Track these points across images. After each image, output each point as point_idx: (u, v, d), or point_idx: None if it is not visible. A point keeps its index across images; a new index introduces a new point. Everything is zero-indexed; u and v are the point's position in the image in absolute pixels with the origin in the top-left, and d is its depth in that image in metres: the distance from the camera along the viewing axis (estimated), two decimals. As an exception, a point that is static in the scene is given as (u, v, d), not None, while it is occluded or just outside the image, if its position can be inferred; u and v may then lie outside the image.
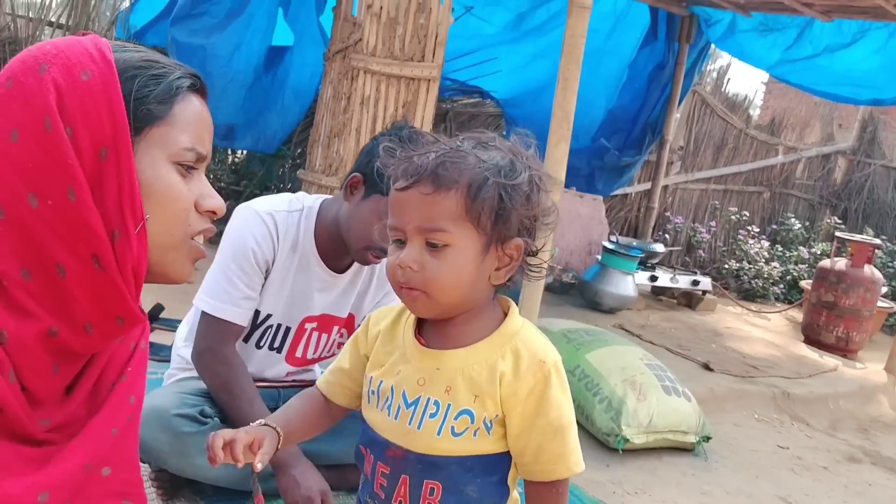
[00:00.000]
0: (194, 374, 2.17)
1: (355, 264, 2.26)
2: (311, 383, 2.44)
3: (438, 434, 1.22)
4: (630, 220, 8.07)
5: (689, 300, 6.70)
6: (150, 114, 1.04)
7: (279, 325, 2.23)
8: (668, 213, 8.17)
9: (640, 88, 7.07)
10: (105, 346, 1.13)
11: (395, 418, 1.26)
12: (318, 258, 2.18)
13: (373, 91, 4.14)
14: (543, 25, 6.46)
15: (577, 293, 6.13)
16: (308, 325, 2.27)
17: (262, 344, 2.25)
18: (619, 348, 3.59)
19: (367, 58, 4.18)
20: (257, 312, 2.18)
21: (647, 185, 7.80)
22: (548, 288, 6.00)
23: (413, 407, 1.25)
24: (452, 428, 1.23)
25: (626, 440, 3.12)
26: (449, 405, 1.23)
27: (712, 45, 7.25)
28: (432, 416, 1.23)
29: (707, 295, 6.69)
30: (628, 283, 5.87)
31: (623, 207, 8.03)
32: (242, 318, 2.10)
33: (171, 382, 2.26)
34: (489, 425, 1.22)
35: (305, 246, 2.16)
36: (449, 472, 1.24)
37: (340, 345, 2.39)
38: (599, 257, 6.07)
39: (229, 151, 6.20)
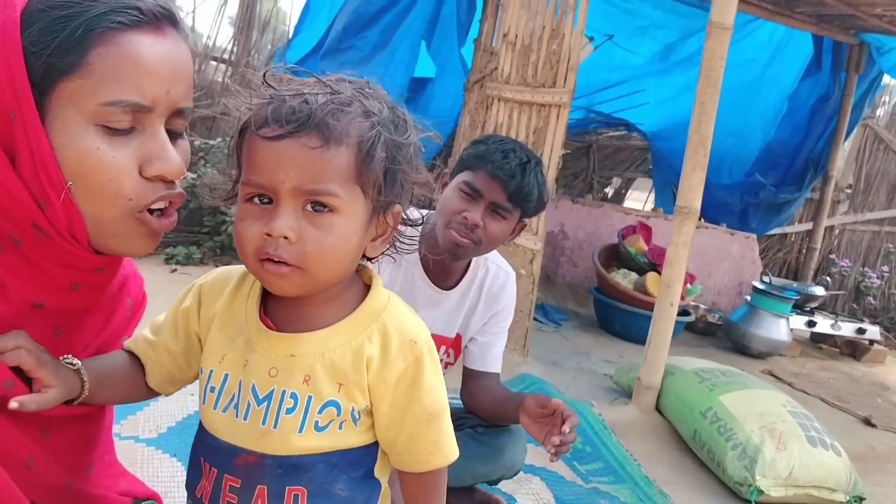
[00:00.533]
0: None
1: (463, 282, 2.21)
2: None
3: (300, 431, 1.02)
4: (789, 262, 7.50)
5: (853, 350, 6.08)
6: (52, 68, 0.89)
7: None
8: (833, 256, 7.52)
9: (802, 121, 6.61)
10: (99, 294, 1.07)
11: (245, 419, 1.03)
12: (423, 272, 2.14)
13: (505, 118, 4.12)
14: (693, 56, 6.21)
15: (722, 335, 5.74)
16: None
17: None
18: (760, 392, 3.29)
19: (501, 85, 4.18)
20: None
21: (809, 225, 7.24)
22: (690, 328, 5.67)
23: (266, 402, 1.02)
24: (316, 423, 1.03)
25: (761, 492, 2.83)
26: (310, 397, 1.02)
27: (885, 76, 6.66)
28: (290, 411, 1.02)
29: (875, 345, 6.04)
30: (780, 327, 5.43)
31: (781, 248, 7.48)
32: None
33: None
34: (357, 416, 1.05)
35: (410, 260, 2.13)
36: (314, 474, 1.04)
37: (448, 365, 2.34)
38: (749, 298, 5.66)
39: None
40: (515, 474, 2.34)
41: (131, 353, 1.15)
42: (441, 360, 2.29)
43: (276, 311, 1.08)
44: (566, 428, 1.85)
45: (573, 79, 3.65)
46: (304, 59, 6.19)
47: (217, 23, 6.25)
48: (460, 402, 2.32)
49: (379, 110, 1.00)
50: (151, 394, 1.17)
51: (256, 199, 0.98)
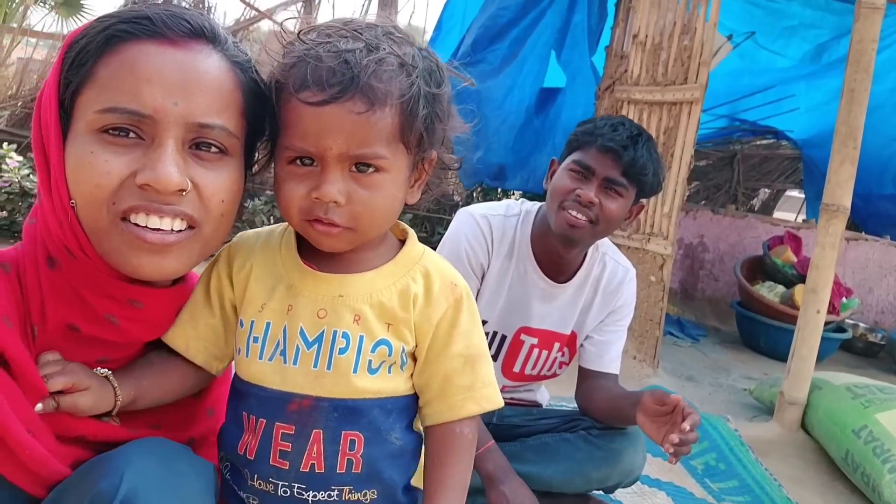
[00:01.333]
0: None
1: (578, 275, 2.11)
2: (531, 403, 2.34)
3: (355, 371, 1.01)
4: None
5: None
6: (70, 83, 0.91)
7: (495, 333, 2.15)
8: None
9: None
10: (144, 335, 1.04)
11: (295, 363, 1.01)
12: (536, 265, 2.06)
13: (635, 121, 3.97)
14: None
15: (886, 357, 5.21)
16: (526, 338, 2.15)
17: None
18: (924, 412, 2.93)
19: (631, 88, 4.04)
20: None
21: None
22: (848, 347, 5.18)
23: (316, 344, 1.01)
24: (370, 362, 1.02)
25: (925, 522, 2.50)
26: (361, 336, 1.02)
27: None
28: (342, 351, 1.01)
29: None
30: (956, 349, 4.85)
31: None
32: None
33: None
34: (404, 360, 1.04)
35: (522, 251, 2.07)
36: (370, 419, 1.03)
37: (563, 364, 2.24)
38: (918, 316, 5.11)
39: (499, 191, 6.37)
40: (633, 482, 2.18)
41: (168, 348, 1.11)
42: (555, 359, 2.19)
43: (316, 257, 1.07)
44: (686, 425, 1.70)
45: (705, 73, 3.46)
46: (437, 76, 6.31)
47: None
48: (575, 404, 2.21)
49: (413, 58, 0.98)
50: (202, 379, 1.13)
51: (299, 162, 0.98)
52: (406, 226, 1.14)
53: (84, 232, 0.93)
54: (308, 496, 1.02)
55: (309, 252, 1.07)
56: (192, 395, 1.14)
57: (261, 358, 1.04)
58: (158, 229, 0.93)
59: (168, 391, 1.08)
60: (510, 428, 2.21)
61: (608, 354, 2.16)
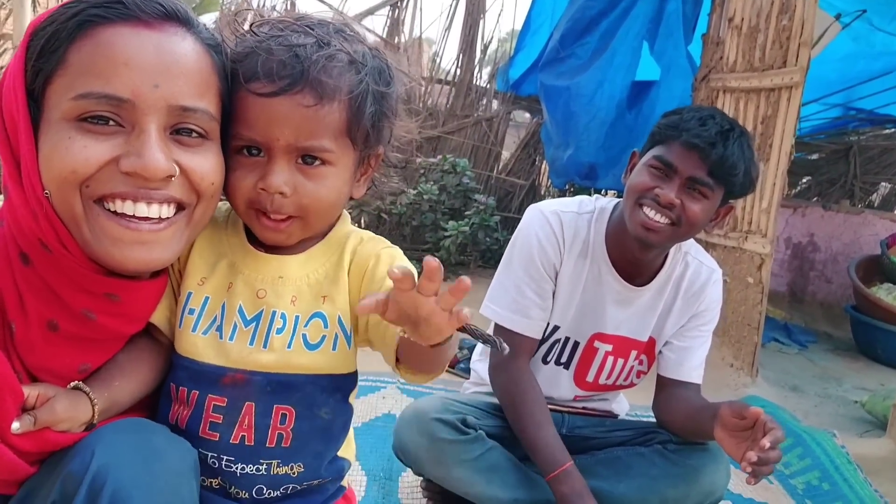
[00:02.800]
0: (487, 388, 2.06)
1: (658, 278, 1.94)
2: (604, 413, 2.18)
3: (289, 347, 1.05)
4: None
5: None
6: (41, 72, 0.88)
7: (567, 339, 2.00)
8: None
9: None
10: (125, 329, 1.01)
11: (231, 339, 1.04)
12: (611, 266, 1.90)
13: (731, 111, 3.72)
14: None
15: None
16: (600, 345, 2.00)
17: (548, 359, 2.05)
18: None
19: (726, 76, 3.79)
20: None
21: None
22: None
23: (254, 323, 1.05)
24: (304, 337, 1.05)
25: None
26: (297, 316, 1.06)
27: None
28: (279, 331, 1.05)
29: None
30: None
31: None
32: (534, 331, 1.91)
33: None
34: (347, 332, 1.07)
35: (596, 251, 1.91)
36: (303, 394, 1.06)
37: (640, 373, 2.07)
38: None
39: (592, 191, 6.17)
40: (716, 503, 1.99)
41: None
42: (631, 368, 2.03)
43: (255, 238, 1.10)
44: (766, 442, 1.52)
45: (806, 55, 3.18)
46: (527, 76, 6.18)
47: (442, 47, 6.44)
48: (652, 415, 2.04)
49: (363, 56, 1.01)
50: (164, 350, 1.10)
51: (246, 151, 1.00)
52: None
53: (62, 222, 0.90)
54: (236, 468, 1.05)
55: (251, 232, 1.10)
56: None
57: (194, 331, 1.06)
58: (146, 218, 0.91)
59: (142, 381, 1.06)
60: (580, 440, 2.06)
61: (689, 362, 1.98)
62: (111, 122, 0.87)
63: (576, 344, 1.99)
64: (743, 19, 3.71)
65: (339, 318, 1.08)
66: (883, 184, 6.60)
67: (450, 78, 6.29)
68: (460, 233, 5.21)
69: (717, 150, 1.65)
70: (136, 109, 0.87)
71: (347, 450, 1.19)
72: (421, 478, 2.06)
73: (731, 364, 3.53)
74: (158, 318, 1.07)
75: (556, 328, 1.99)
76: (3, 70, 0.90)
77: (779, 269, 5.58)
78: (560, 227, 1.90)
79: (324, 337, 1.07)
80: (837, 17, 4.37)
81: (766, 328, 3.76)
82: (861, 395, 3.62)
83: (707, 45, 4.39)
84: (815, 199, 6.35)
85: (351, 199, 1.12)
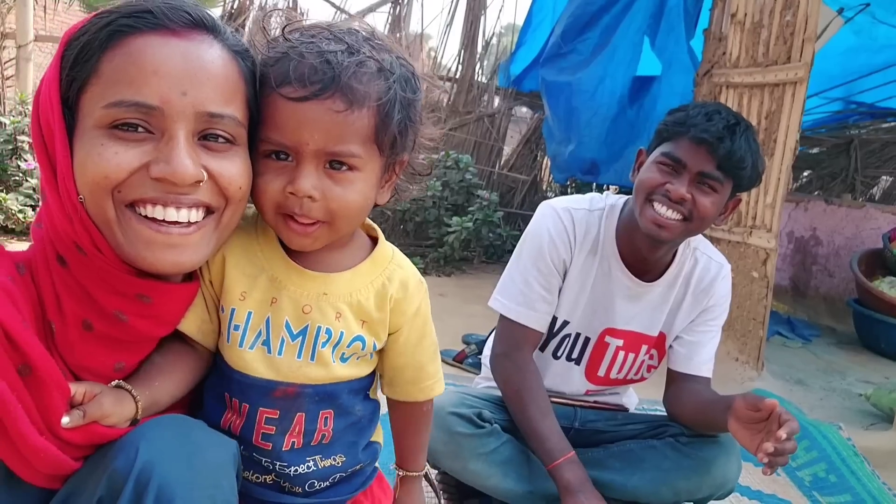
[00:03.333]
0: None
1: (668, 273, 1.95)
2: (615, 407, 2.19)
3: (333, 362, 1.11)
4: None
5: None
6: (75, 81, 0.90)
7: (577, 335, 2.01)
8: None
9: None
10: (156, 331, 1.03)
11: (280, 354, 1.08)
12: (621, 262, 1.91)
13: (734, 106, 3.72)
14: None
15: None
16: (611, 340, 2.01)
17: (559, 354, 2.06)
18: None
19: (729, 71, 3.80)
20: (554, 319, 2.01)
21: None
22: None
23: (301, 337, 1.09)
24: (342, 354, 1.12)
25: None
26: (342, 332, 1.10)
27: None
28: (324, 344, 1.09)
29: None
30: None
31: None
32: (539, 324, 1.93)
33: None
34: (372, 351, 1.16)
35: (606, 248, 1.92)
36: (342, 400, 1.14)
37: (651, 367, 2.09)
38: None
39: (593, 186, 6.18)
40: (727, 495, 2.00)
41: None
42: (642, 362, 2.04)
43: (296, 252, 1.11)
44: (782, 433, 1.53)
45: (811, 51, 3.19)
46: (528, 71, 6.19)
47: (443, 42, 6.45)
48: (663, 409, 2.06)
49: (391, 65, 1.02)
50: (206, 360, 1.14)
51: (274, 156, 1.01)
52: (372, 223, 1.20)
53: (96, 226, 0.92)
54: (290, 470, 1.12)
55: (287, 246, 1.11)
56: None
57: (241, 346, 1.08)
58: (176, 222, 0.93)
59: (180, 382, 1.08)
60: (593, 433, 2.08)
61: (698, 356, 1.99)
62: (140, 129, 0.89)
63: (586, 340, 2.00)
64: (746, 14, 3.72)
65: (375, 344, 1.15)
66: (884, 177, 6.62)
67: (451, 74, 6.30)
68: (464, 229, 5.23)
69: (725, 144, 1.66)
70: (165, 116, 0.89)
71: (377, 434, 1.28)
72: (436, 471, 2.08)
73: (736, 358, 3.55)
74: (188, 327, 1.08)
75: (565, 323, 2.00)
76: (41, 80, 0.92)
77: (781, 263, 5.59)
78: (572, 224, 1.91)
79: (353, 355, 1.14)
80: (840, 11, 4.38)
81: (770, 322, 3.77)
82: (865, 388, 3.64)
83: (709, 40, 4.39)
84: (816, 193, 6.36)
85: (375, 206, 1.12)
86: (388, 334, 1.16)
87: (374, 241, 1.19)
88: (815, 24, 3.19)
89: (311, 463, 1.13)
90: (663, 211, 1.73)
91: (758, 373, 3.43)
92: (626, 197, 1.97)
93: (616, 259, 1.91)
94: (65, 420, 0.87)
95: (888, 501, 2.42)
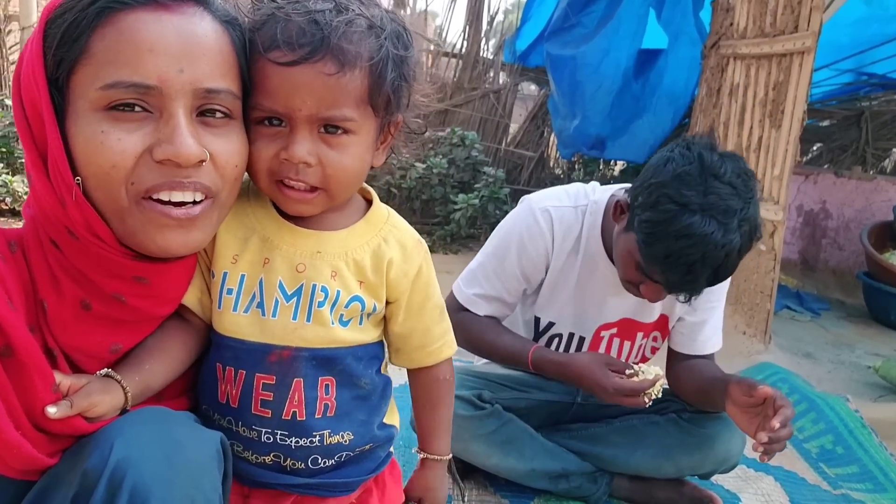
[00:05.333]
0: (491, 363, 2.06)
1: None
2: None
3: (332, 324, 1.05)
4: None
5: None
6: (63, 61, 0.87)
7: (571, 335, 1.98)
8: None
9: None
10: (157, 310, 1.01)
11: (274, 315, 1.04)
12: (607, 259, 1.85)
13: (742, 77, 3.68)
14: None
15: None
16: (605, 333, 1.98)
17: None
18: None
19: (737, 42, 3.74)
20: (537, 319, 1.98)
21: None
22: None
23: (295, 297, 1.04)
24: (341, 316, 1.07)
25: None
26: (339, 291, 1.05)
27: None
28: (321, 304, 1.04)
29: None
30: None
31: None
32: (486, 313, 1.91)
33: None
34: (371, 314, 1.10)
35: (590, 246, 1.86)
36: (344, 367, 1.08)
37: (655, 349, 2.06)
38: None
39: (601, 163, 6.14)
40: (730, 469, 2.00)
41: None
42: (641, 346, 2.02)
43: (288, 214, 1.08)
44: (775, 423, 1.52)
45: (818, 19, 3.13)
46: (534, 47, 6.13)
47: (448, 19, 6.39)
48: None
49: (381, 20, 0.99)
50: (201, 337, 1.10)
51: (266, 122, 0.99)
52: (367, 186, 1.16)
53: (94, 210, 0.90)
54: (290, 441, 1.07)
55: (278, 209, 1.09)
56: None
57: (235, 310, 1.05)
58: (181, 202, 0.92)
59: (173, 362, 1.05)
60: (596, 408, 2.07)
61: (701, 335, 1.97)
62: (138, 108, 0.88)
63: (581, 339, 1.98)
64: (753, -17, 3.66)
65: (375, 306, 1.10)
66: (895, 150, 6.53)
67: (456, 51, 6.25)
68: (470, 206, 5.21)
69: (700, 289, 1.62)
70: (163, 95, 0.87)
71: (392, 417, 1.22)
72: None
73: (743, 332, 3.53)
74: (190, 299, 1.06)
75: (550, 324, 1.97)
76: (18, 59, 0.90)
77: (791, 236, 5.55)
78: (549, 226, 1.85)
79: (361, 318, 1.09)
80: (850, -21, 4.30)
81: (779, 296, 3.74)
82: (874, 360, 3.61)
83: (717, 11, 4.32)
84: (826, 166, 6.29)
85: (371, 167, 1.09)
86: (390, 302, 1.12)
87: (369, 203, 1.15)
88: (823, -9, 3.14)
89: (317, 438, 1.07)
90: (638, 295, 1.74)
91: (765, 346, 3.42)
92: (612, 189, 1.90)
93: (601, 255, 1.86)
94: (51, 410, 0.85)
95: (895, 471, 2.41)
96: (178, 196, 0.91)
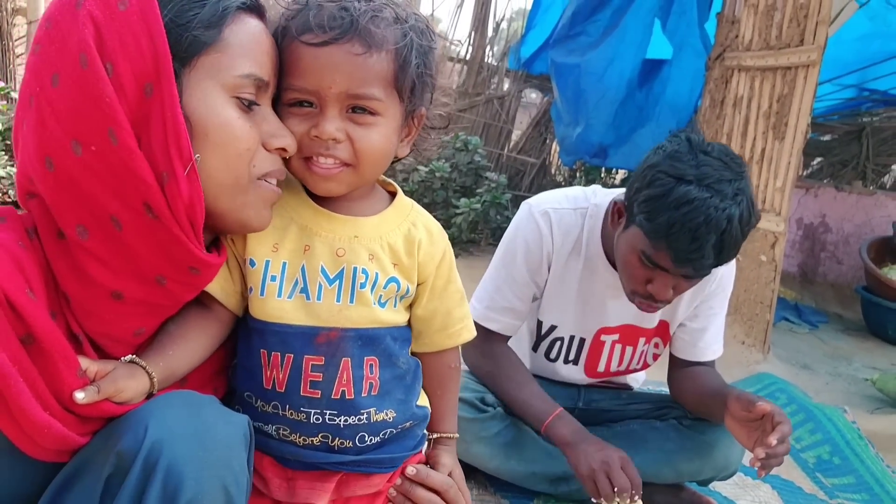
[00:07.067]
0: None
1: None
2: (620, 386, 2.19)
3: (374, 304, 1.11)
4: None
5: None
6: (196, 41, 0.91)
7: (572, 337, 1.99)
8: None
9: None
10: (186, 296, 1.02)
11: (319, 299, 1.09)
12: (607, 262, 1.87)
13: (746, 89, 3.71)
14: None
15: None
16: (606, 338, 1.99)
17: (553, 357, 2.03)
18: None
19: (741, 54, 3.77)
20: (539, 323, 1.99)
21: None
22: None
23: (338, 281, 1.09)
24: (380, 297, 1.12)
25: None
26: (377, 273, 1.11)
27: None
28: (363, 285, 1.10)
29: None
30: None
31: None
32: (508, 329, 1.92)
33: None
34: (404, 296, 1.16)
35: (591, 248, 1.87)
36: (385, 346, 1.13)
37: (655, 356, 2.07)
38: None
39: (602, 171, 6.15)
40: (729, 476, 2.02)
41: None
42: (643, 352, 2.03)
43: (324, 201, 1.13)
44: (772, 440, 1.54)
45: (824, 33, 3.16)
46: (538, 54, 6.16)
47: (454, 25, 6.42)
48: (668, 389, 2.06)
49: (406, 15, 1.05)
50: (223, 325, 1.13)
51: (298, 105, 1.04)
52: (389, 179, 1.22)
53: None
54: (339, 421, 1.10)
55: (318, 198, 1.13)
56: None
57: (279, 296, 1.09)
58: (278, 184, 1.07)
59: (197, 348, 1.07)
60: (598, 413, 2.09)
61: (701, 342, 1.98)
62: (251, 105, 0.98)
63: (582, 341, 1.99)
64: (760, -3, 3.69)
65: (408, 288, 1.15)
66: (895, 166, 6.56)
67: (461, 56, 6.28)
68: (472, 210, 5.22)
69: (709, 263, 1.58)
70: (266, 92, 1.00)
71: (423, 399, 1.27)
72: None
73: (742, 341, 3.55)
74: (213, 287, 1.07)
75: (553, 327, 1.99)
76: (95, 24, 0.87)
77: (790, 249, 5.57)
78: (549, 228, 1.87)
79: (389, 298, 1.14)
80: (855, -6, 4.34)
81: (777, 308, 3.76)
82: (871, 374, 3.63)
83: (722, 23, 4.36)
84: (826, 180, 6.32)
85: (396, 159, 1.15)
86: (419, 283, 1.17)
87: (392, 195, 1.21)
88: (829, 7, 3.16)
89: (364, 416, 1.12)
90: (645, 306, 1.73)
91: (764, 356, 3.43)
92: (614, 193, 1.91)
93: (602, 258, 1.87)
94: (79, 396, 0.86)
95: (891, 484, 2.43)
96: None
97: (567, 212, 1.88)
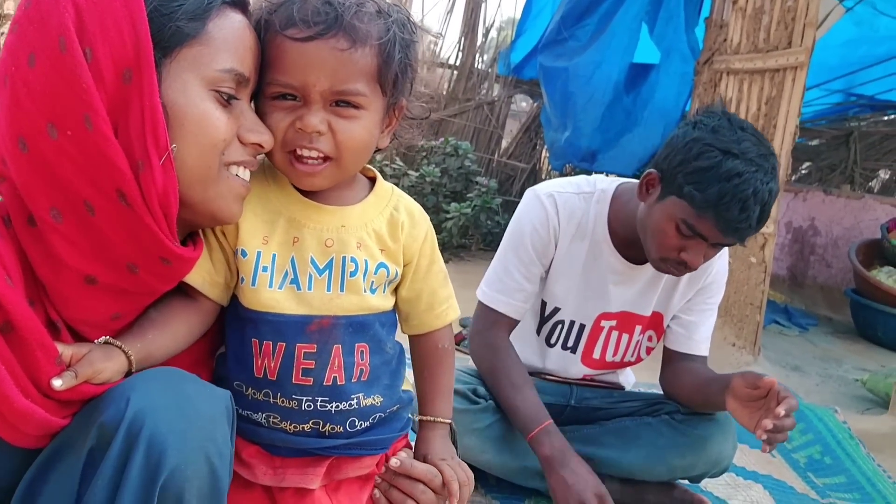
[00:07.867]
0: None
1: None
2: (612, 385, 2.19)
3: (365, 292, 1.14)
4: None
5: None
6: (179, 31, 0.92)
7: (572, 322, 2.00)
8: None
9: None
10: (161, 287, 1.02)
11: (310, 289, 1.11)
12: (612, 247, 1.89)
13: (734, 92, 3.72)
14: None
15: None
16: (605, 324, 2.00)
17: (553, 342, 2.04)
18: None
19: (730, 57, 3.79)
20: (544, 304, 2.00)
21: None
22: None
23: (327, 271, 1.12)
24: (371, 283, 1.15)
25: None
26: (366, 260, 1.14)
27: None
28: (353, 274, 1.12)
29: None
30: None
31: None
32: (515, 311, 1.92)
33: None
34: (393, 280, 1.18)
35: (597, 233, 1.90)
36: (374, 332, 1.16)
37: (649, 349, 2.08)
38: None
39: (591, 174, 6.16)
40: (722, 472, 2.01)
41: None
42: (638, 343, 2.03)
43: (309, 194, 1.14)
44: (781, 410, 1.54)
45: (811, 36, 3.18)
46: (528, 59, 6.18)
47: (444, 30, 6.44)
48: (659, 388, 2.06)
49: (388, 8, 1.06)
50: (204, 315, 1.12)
51: (281, 98, 1.04)
52: (368, 165, 1.22)
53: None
54: (331, 407, 1.12)
55: (300, 189, 1.14)
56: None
57: (270, 286, 1.10)
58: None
59: (176, 336, 1.06)
60: (589, 411, 2.08)
61: (697, 335, 1.99)
62: (229, 99, 0.98)
63: (582, 327, 1.99)
64: (747, 1, 3.71)
65: (396, 272, 1.18)
66: (883, 171, 6.61)
67: (451, 62, 6.29)
68: (462, 215, 5.22)
69: (752, 230, 1.64)
70: (245, 88, 1.00)
71: (407, 385, 1.29)
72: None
73: (732, 343, 3.55)
74: (194, 278, 1.07)
75: (556, 309, 1.99)
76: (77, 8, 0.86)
77: (779, 252, 5.60)
78: (555, 209, 1.89)
79: (384, 285, 1.17)
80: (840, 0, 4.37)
81: (767, 311, 3.77)
82: (860, 375, 3.64)
83: (710, 27, 4.39)
84: (815, 184, 6.36)
85: (377, 150, 1.16)
86: (403, 266, 1.19)
87: (372, 181, 1.22)
88: (816, 9, 3.19)
89: (354, 401, 1.14)
90: (675, 269, 1.75)
91: (754, 358, 3.44)
92: (619, 181, 1.94)
93: (607, 243, 1.89)
94: (57, 383, 0.85)
95: (882, 483, 2.43)
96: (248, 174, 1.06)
97: (571, 196, 1.91)
